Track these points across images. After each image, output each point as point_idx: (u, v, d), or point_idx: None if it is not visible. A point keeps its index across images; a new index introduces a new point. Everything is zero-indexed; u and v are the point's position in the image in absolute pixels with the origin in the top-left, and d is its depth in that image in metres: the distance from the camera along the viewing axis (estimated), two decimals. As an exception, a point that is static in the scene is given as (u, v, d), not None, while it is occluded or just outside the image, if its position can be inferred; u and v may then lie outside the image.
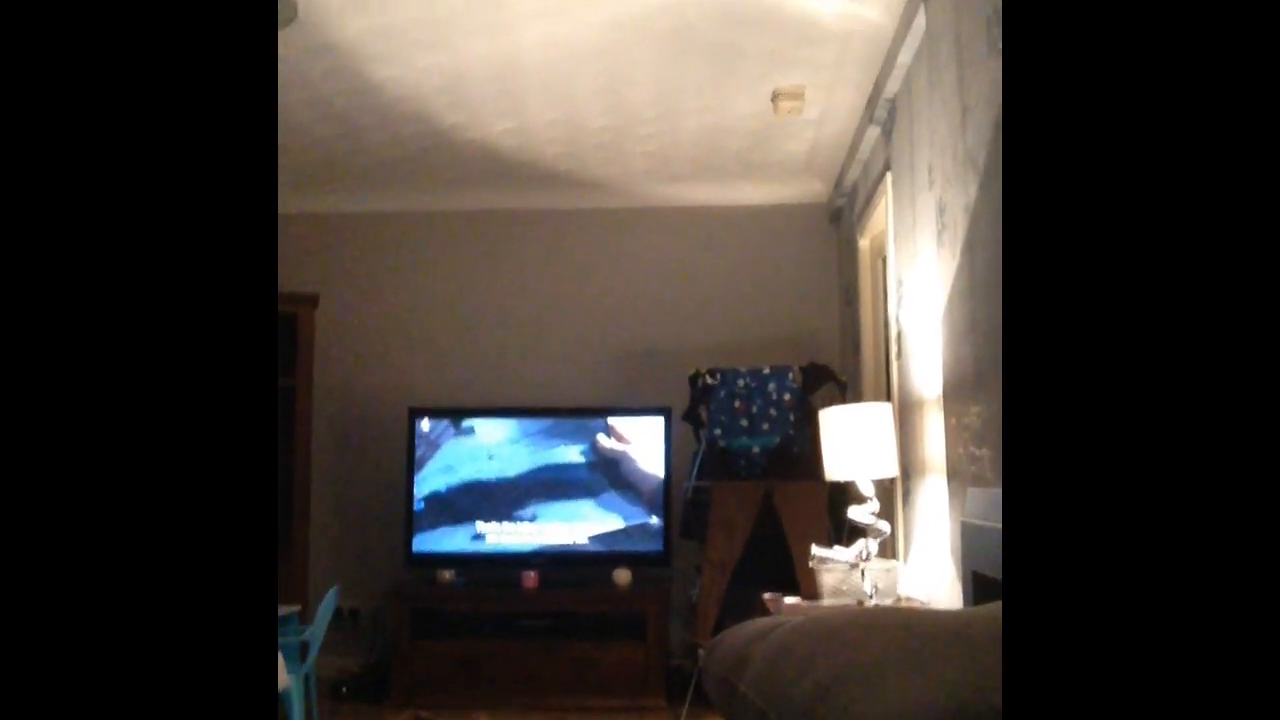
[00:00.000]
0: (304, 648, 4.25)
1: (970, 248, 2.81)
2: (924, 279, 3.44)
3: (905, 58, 3.69)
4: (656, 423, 5.50)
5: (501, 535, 5.49)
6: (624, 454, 5.51)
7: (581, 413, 5.62)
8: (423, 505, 5.52)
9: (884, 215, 4.25)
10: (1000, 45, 2.49)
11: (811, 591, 3.70)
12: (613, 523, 5.46)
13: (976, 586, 2.58)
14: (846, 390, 5.12)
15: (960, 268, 2.92)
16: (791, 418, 4.93)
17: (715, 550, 4.69)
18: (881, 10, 3.70)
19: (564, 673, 5.11)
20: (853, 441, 3.54)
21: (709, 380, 5.03)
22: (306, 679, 4.21)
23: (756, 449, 4.94)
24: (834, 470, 3.61)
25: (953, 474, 3.08)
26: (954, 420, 3.04)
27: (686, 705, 4.74)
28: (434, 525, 5.50)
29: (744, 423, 4.96)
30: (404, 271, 6.08)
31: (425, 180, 5.80)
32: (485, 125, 4.91)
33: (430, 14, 3.76)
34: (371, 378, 6.01)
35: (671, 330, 5.92)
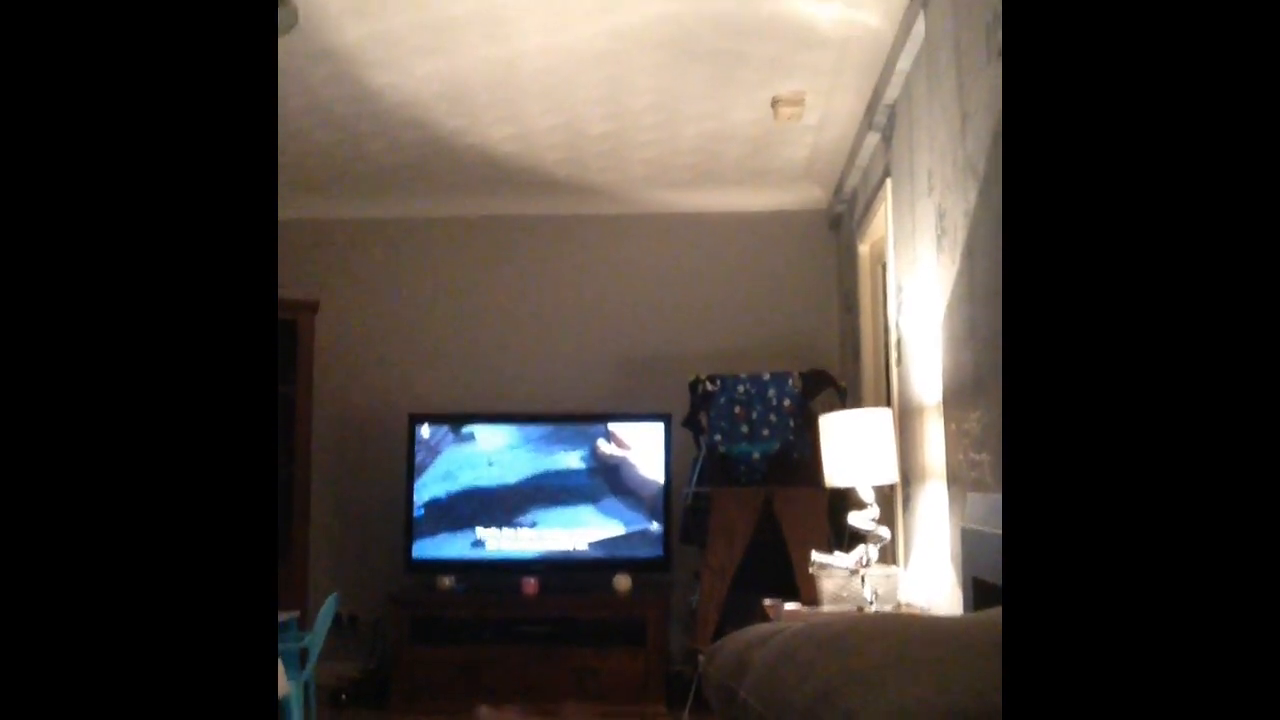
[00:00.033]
0: (304, 654, 4.24)
1: (970, 254, 2.81)
2: (924, 285, 3.44)
3: (905, 64, 3.70)
4: (656, 429, 5.50)
5: (501, 541, 5.48)
6: (624, 460, 5.51)
7: (582, 419, 5.62)
8: (423, 511, 5.51)
9: (884, 221, 4.25)
10: (999, 51, 2.49)
11: (811, 597, 3.69)
12: (613, 529, 5.46)
13: (977, 592, 2.58)
14: (846, 396, 5.12)
15: (960, 273, 2.92)
16: (791, 424, 4.93)
17: (715, 556, 4.68)
18: (881, 16, 3.70)
19: (564, 679, 5.11)
20: (853, 447, 3.54)
21: (709, 386, 5.03)
22: (306, 686, 4.21)
23: (756, 455, 4.93)
24: (834, 476, 3.61)
25: (953, 480, 3.08)
26: (954, 426, 3.04)
27: (687, 711, 4.73)
28: (434, 531, 5.50)
29: (744, 429, 4.96)
30: (404, 277, 6.08)
31: (425, 186, 5.81)
32: (485, 131, 4.91)
33: (430, 20, 3.77)
34: (371, 384, 6.01)
35: (671, 336, 5.92)
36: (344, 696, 5.32)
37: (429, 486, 5.53)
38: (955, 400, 3.02)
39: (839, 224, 5.76)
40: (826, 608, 3.49)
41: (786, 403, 4.96)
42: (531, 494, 5.51)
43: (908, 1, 3.52)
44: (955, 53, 2.98)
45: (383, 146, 5.13)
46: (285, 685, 3.73)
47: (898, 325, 3.95)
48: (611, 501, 5.48)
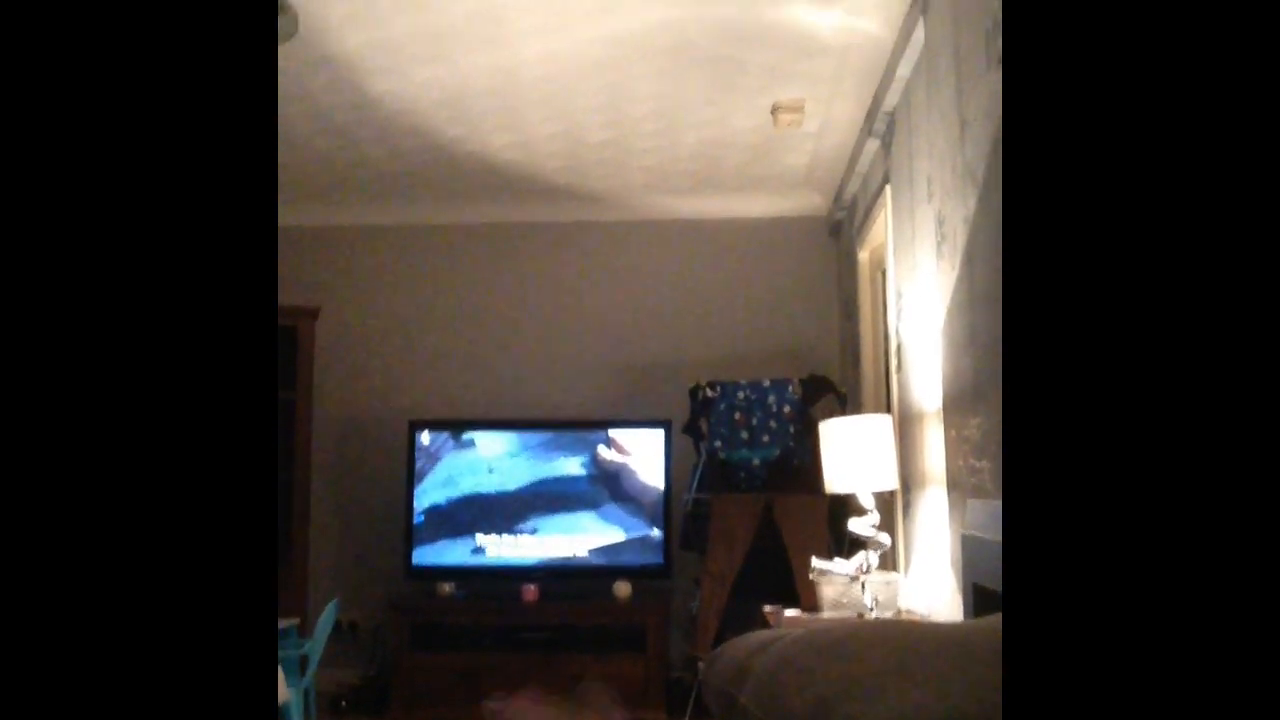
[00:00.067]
0: (304, 661, 4.24)
1: (969, 260, 2.81)
2: (923, 291, 3.45)
3: (904, 70, 3.71)
4: (657, 435, 5.50)
5: (502, 548, 5.48)
6: (624, 466, 5.51)
7: (582, 425, 5.62)
8: (423, 518, 5.51)
9: (883, 228, 4.25)
10: (999, 58, 2.50)
11: (812, 604, 3.69)
12: (613, 535, 5.45)
13: (977, 599, 2.58)
14: (846, 402, 5.12)
15: (959, 280, 2.92)
16: (791, 430, 4.93)
17: (715, 562, 4.68)
18: (880, 23, 3.71)
19: (564, 686, 5.10)
20: (853, 454, 3.54)
21: (709, 393, 5.03)
22: (306, 692, 4.20)
23: (756, 461, 4.93)
24: (834, 482, 3.61)
25: (953, 486, 3.08)
26: (954, 432, 3.04)
27: (687, 717, 4.72)
28: (434, 538, 5.49)
29: (744, 435, 4.96)
30: (404, 284, 6.09)
31: (425, 193, 5.81)
32: (485, 139, 4.92)
33: (430, 28, 3.77)
34: (372, 390, 6.01)
35: (671, 343, 5.92)
36: (344, 703, 5.31)
37: (429, 493, 5.53)
38: (955, 406, 3.02)
39: (839, 230, 5.77)
40: (827, 614, 3.49)
41: (786, 409, 4.96)
42: (532, 500, 5.51)
43: (907, 8, 3.52)
44: (955, 60, 2.99)
45: (383, 153, 5.14)
46: (285, 692, 3.73)
47: (898, 331, 3.95)
48: (612, 508, 5.48)
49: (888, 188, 4.14)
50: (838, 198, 5.44)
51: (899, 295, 3.91)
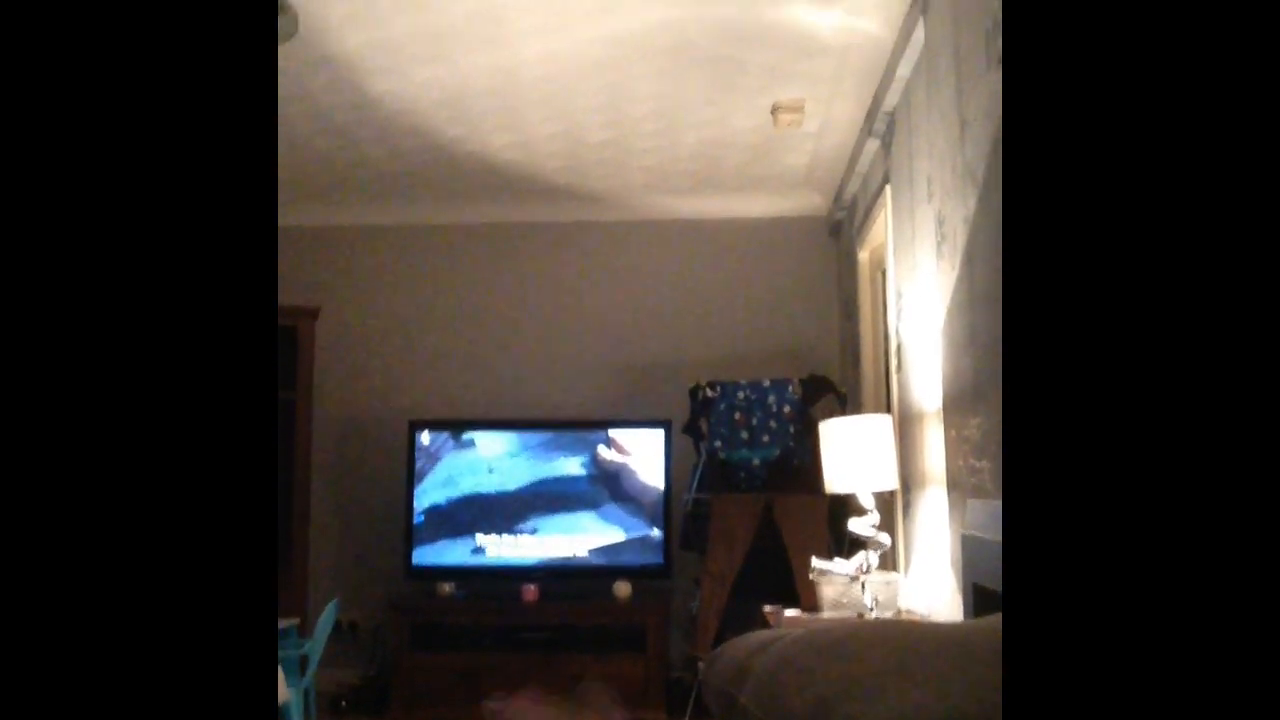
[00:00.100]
0: (304, 661, 4.24)
1: (969, 260, 2.81)
2: (923, 291, 3.45)
3: (904, 70, 3.71)
4: (657, 435, 5.50)
5: (502, 548, 5.48)
6: (624, 466, 5.51)
7: (582, 425, 5.62)
8: (423, 518, 5.51)
9: (883, 228, 4.25)
10: (998, 58, 2.50)
11: (812, 604, 3.69)
12: (613, 535, 5.45)
13: (977, 599, 2.58)
14: (846, 402, 5.12)
15: (959, 280, 2.92)
16: (791, 430, 4.93)
17: (715, 562, 4.68)
18: (880, 23, 3.71)
19: (564, 686, 5.10)
20: (853, 454, 3.54)
21: (709, 393, 5.03)
22: (306, 693, 4.20)
23: (756, 461, 4.93)
24: (834, 482, 3.61)
25: (953, 486, 3.08)
26: (954, 432, 3.04)
27: (687, 718, 4.72)
28: (434, 538, 5.49)
29: (744, 435, 4.96)
30: (404, 284, 6.09)
31: (425, 193, 5.81)
32: (485, 139, 4.92)
33: (429, 29, 3.77)
34: (372, 390, 6.01)
35: (672, 342, 5.92)
36: (344, 703, 5.31)
37: (429, 493, 5.53)
38: (955, 406, 3.02)
39: (839, 230, 5.77)
40: (827, 614, 3.49)
41: (786, 409, 4.96)
42: (532, 500, 5.51)
43: (907, 8, 3.52)
44: (954, 60, 2.99)
45: (383, 153, 5.14)
46: (285, 692, 3.73)
47: (898, 331, 3.95)
48: (612, 508, 5.48)
49: (888, 188, 4.14)
50: (838, 198, 5.44)
51: (899, 295, 3.91)
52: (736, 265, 5.97)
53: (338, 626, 5.30)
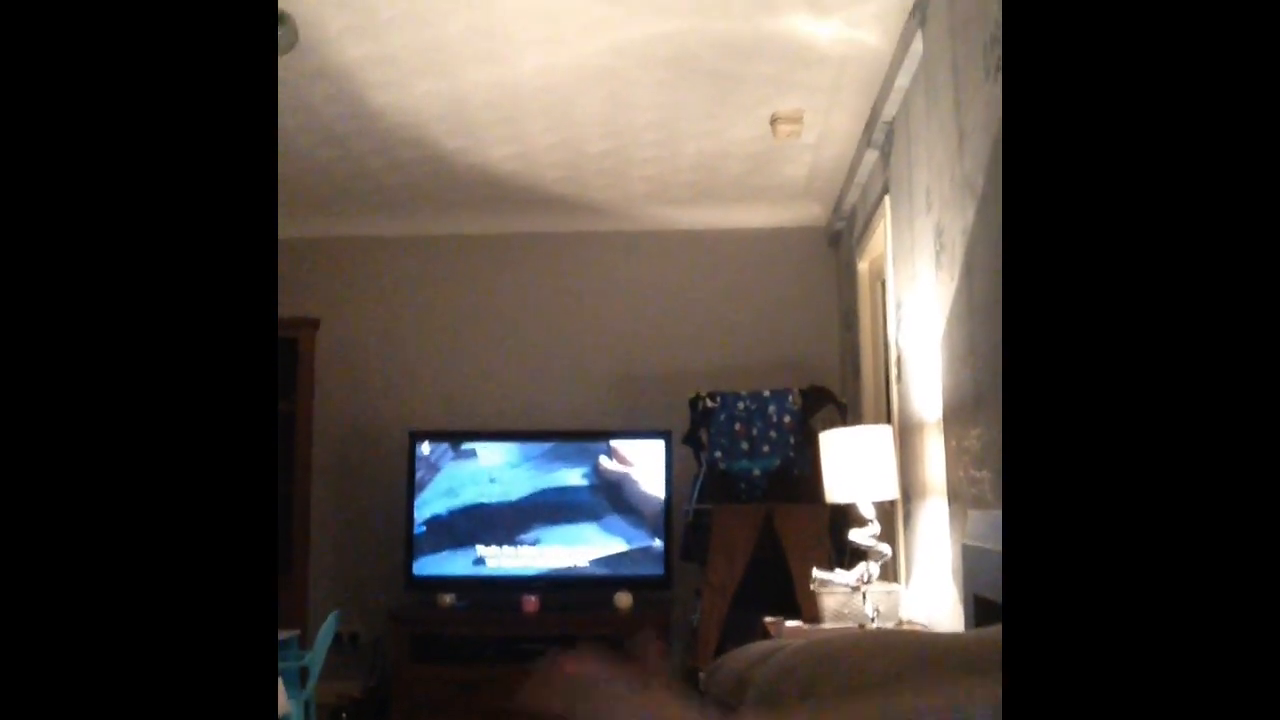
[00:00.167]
0: (304, 673, 4.24)
1: (969, 271, 2.81)
2: (923, 302, 3.45)
3: (903, 81, 3.72)
4: (657, 446, 5.49)
5: (502, 559, 5.47)
6: (625, 477, 5.50)
7: (582, 436, 5.62)
8: (423, 529, 5.51)
9: (883, 238, 4.26)
10: (997, 69, 2.51)
11: (813, 615, 3.69)
12: (614, 546, 5.45)
13: (978, 609, 2.58)
14: (847, 413, 5.12)
15: (959, 291, 2.92)
16: (792, 440, 4.93)
17: (716, 573, 4.67)
18: (879, 35, 3.72)
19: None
20: (853, 464, 3.54)
21: (709, 403, 5.03)
22: (306, 705, 4.19)
23: (757, 471, 4.93)
24: (834, 493, 3.61)
25: (953, 497, 3.08)
26: (954, 443, 3.04)
27: (688, 730, 4.70)
28: (435, 549, 5.49)
29: (744, 445, 4.96)
30: (405, 295, 6.09)
31: (426, 204, 5.82)
32: (485, 150, 4.93)
33: (430, 40, 3.78)
34: (372, 401, 6.01)
35: (671, 353, 5.92)
36: (344, 715, 5.30)
37: (430, 503, 5.53)
38: (955, 417, 3.02)
39: (838, 241, 5.77)
40: (828, 625, 3.48)
41: (787, 419, 4.96)
42: (532, 511, 5.50)
43: (906, 19, 3.54)
44: (953, 70, 3.00)
45: (383, 165, 5.15)
46: (286, 704, 3.72)
47: (897, 342, 3.95)
48: (613, 519, 5.47)
49: (887, 198, 4.14)
50: (837, 208, 5.45)
51: (898, 306, 3.92)
52: (736, 276, 5.97)
53: (338, 638, 5.28)
